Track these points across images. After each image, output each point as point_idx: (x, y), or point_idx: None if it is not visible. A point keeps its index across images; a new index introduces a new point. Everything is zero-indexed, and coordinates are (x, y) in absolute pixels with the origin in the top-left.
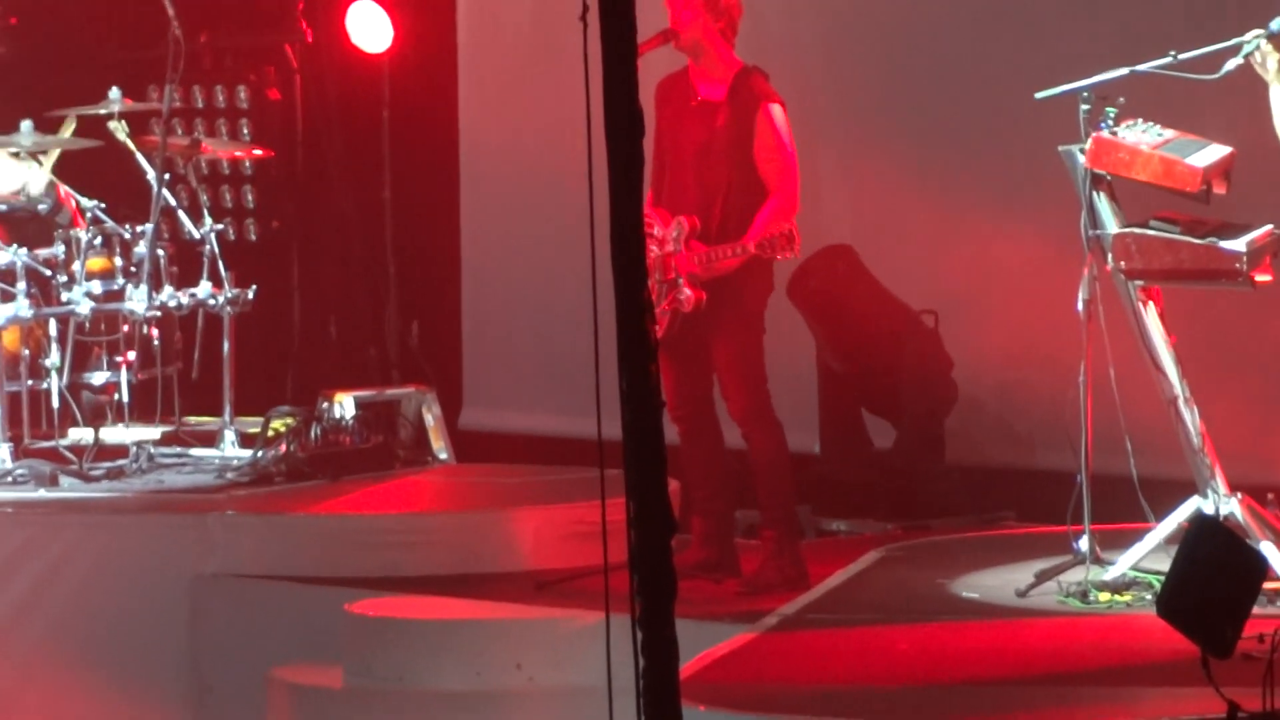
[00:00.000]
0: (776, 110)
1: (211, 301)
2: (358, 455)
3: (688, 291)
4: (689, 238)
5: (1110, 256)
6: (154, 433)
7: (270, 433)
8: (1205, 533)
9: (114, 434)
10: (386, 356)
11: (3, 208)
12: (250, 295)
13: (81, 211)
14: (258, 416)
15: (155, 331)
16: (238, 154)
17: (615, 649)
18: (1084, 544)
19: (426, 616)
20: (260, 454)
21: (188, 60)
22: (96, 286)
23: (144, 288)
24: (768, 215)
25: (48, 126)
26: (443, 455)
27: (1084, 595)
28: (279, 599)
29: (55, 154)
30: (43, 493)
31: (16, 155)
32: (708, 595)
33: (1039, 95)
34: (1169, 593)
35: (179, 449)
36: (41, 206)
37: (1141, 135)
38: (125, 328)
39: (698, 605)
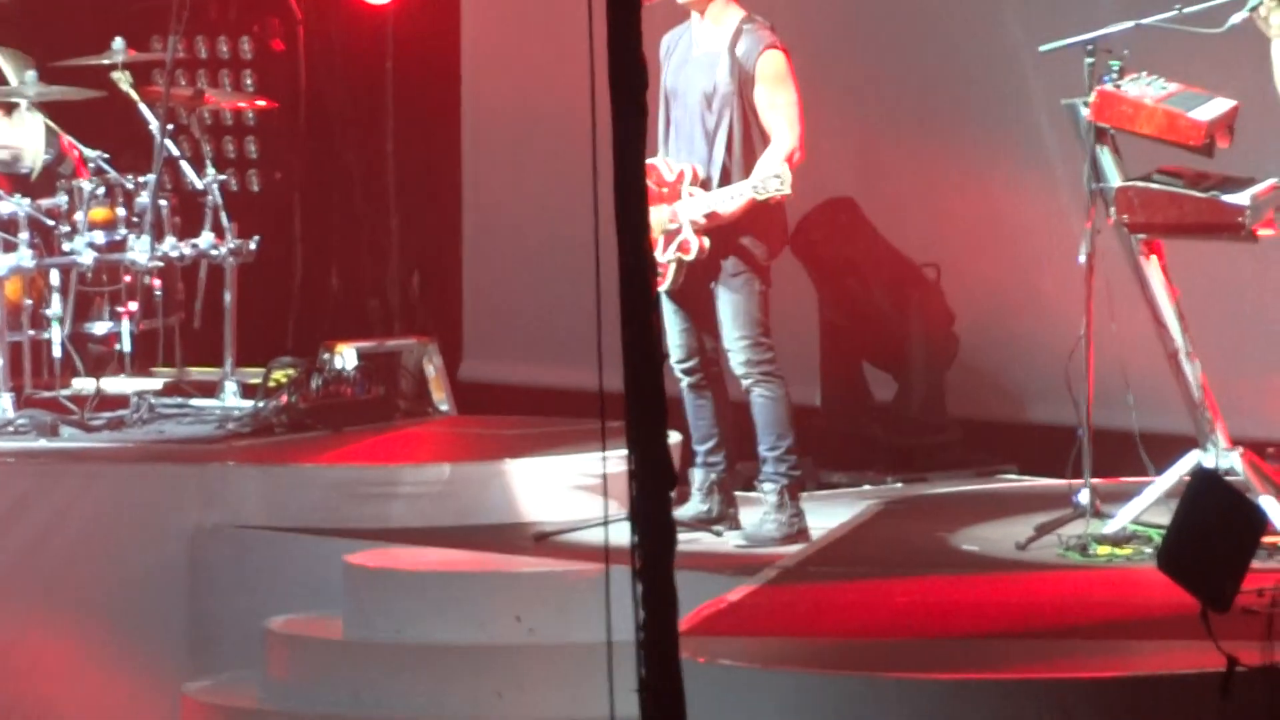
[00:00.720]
0: (779, 56)
1: (214, 252)
2: (359, 406)
3: (691, 239)
4: (691, 185)
5: (1113, 210)
6: (155, 383)
7: (271, 383)
8: (1205, 487)
9: (115, 384)
10: (388, 308)
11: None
12: (252, 246)
13: (84, 162)
14: (259, 367)
15: (157, 282)
16: (241, 105)
17: (615, 601)
18: (1084, 497)
19: (426, 568)
20: (261, 404)
21: (192, 10)
22: (99, 237)
23: (146, 238)
24: (769, 160)
25: (52, 76)
26: (444, 407)
27: (1084, 549)
28: (279, 550)
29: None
30: (44, 443)
31: (9, 112)
32: (708, 548)
33: (1043, 48)
34: (1169, 546)
35: (180, 399)
36: (41, 161)
37: (1145, 89)
38: (127, 278)
39: (698, 558)
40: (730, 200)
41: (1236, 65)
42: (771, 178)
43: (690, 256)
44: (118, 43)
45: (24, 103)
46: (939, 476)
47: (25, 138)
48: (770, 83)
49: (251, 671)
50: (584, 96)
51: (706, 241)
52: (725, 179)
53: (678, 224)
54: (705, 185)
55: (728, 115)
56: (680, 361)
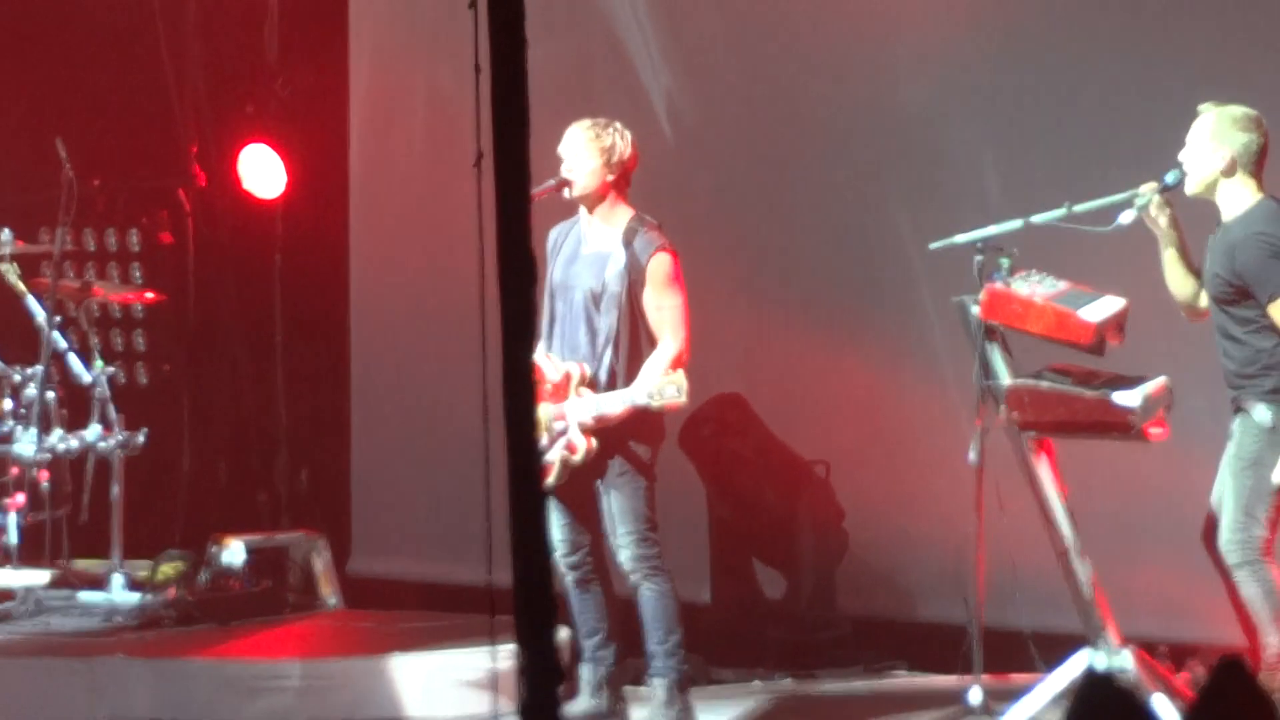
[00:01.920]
0: (667, 259)
1: (101, 445)
2: (247, 600)
3: (579, 440)
4: (579, 386)
5: (1003, 408)
6: (42, 576)
7: (159, 577)
8: (1096, 686)
9: (2, 577)
10: (276, 501)
11: None
12: (140, 439)
13: None
14: (147, 560)
15: (45, 474)
16: (129, 297)
17: None
18: (975, 696)
19: None
20: (149, 598)
21: (80, 203)
22: None
23: (33, 431)
24: (655, 364)
25: None
26: (331, 601)
27: None
28: None
29: None
30: None
31: None
32: None
33: (933, 246)
34: None
35: (67, 592)
36: None
37: (1035, 287)
38: (14, 471)
39: None
40: (621, 404)
41: (1127, 263)
42: (669, 385)
43: (578, 458)
44: (5, 234)
45: None
46: (829, 674)
47: None
48: (658, 286)
49: None
50: (472, 290)
51: (594, 442)
52: (613, 381)
53: (564, 424)
54: (592, 385)
55: (615, 315)
56: (565, 556)
